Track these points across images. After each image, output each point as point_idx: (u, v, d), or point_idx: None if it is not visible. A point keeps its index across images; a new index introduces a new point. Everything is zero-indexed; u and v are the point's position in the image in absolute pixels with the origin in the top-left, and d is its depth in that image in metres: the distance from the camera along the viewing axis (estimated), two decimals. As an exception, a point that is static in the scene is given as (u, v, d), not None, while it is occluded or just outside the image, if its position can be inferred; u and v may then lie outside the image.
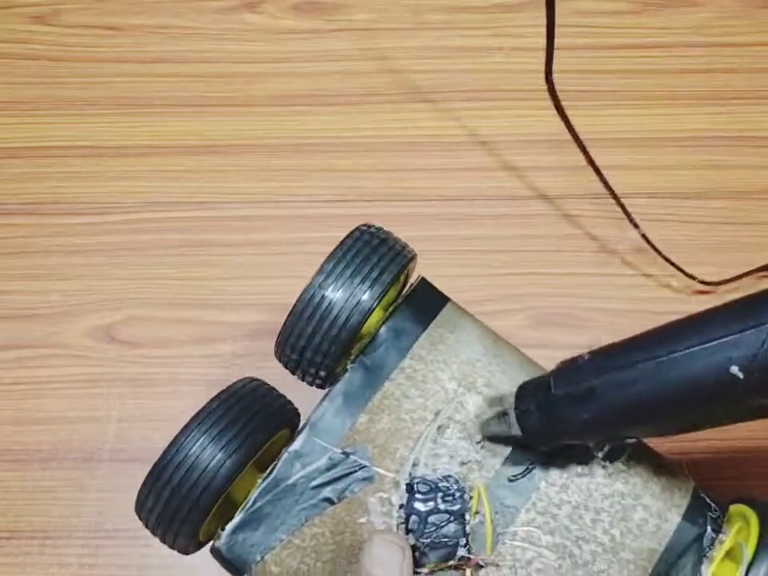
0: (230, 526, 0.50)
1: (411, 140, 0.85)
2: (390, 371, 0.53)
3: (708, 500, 0.51)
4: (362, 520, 0.50)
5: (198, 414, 0.49)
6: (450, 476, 0.50)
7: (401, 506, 0.49)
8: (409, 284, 0.58)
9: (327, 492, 0.50)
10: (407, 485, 0.50)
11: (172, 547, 0.51)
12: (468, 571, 0.48)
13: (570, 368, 0.48)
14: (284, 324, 0.53)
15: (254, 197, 0.83)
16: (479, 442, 0.51)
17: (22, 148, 0.85)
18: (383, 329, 0.54)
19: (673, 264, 0.76)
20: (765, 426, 0.69)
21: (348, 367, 0.53)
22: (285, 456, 0.51)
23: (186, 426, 0.49)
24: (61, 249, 0.80)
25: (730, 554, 0.48)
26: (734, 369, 0.40)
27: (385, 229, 0.57)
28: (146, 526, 0.50)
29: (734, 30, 0.90)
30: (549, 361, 0.51)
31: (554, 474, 0.51)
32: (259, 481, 0.51)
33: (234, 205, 0.82)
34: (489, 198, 0.82)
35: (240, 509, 0.50)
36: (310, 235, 0.81)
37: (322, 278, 0.52)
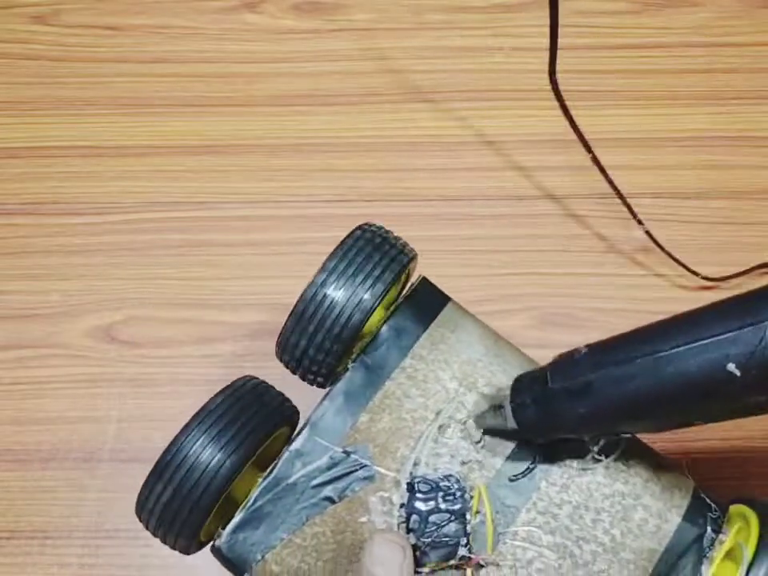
0: (230, 525, 0.50)
1: (411, 140, 0.85)
2: (391, 370, 0.53)
3: (708, 500, 0.51)
4: (363, 519, 0.50)
5: (196, 415, 0.49)
6: (450, 475, 0.50)
7: (402, 506, 0.49)
8: (410, 284, 0.58)
9: (328, 491, 0.50)
10: (408, 484, 0.50)
11: (173, 548, 0.51)
12: (469, 571, 0.48)
13: (566, 362, 0.48)
14: (285, 323, 0.53)
15: (254, 197, 0.83)
16: (478, 442, 0.51)
17: (22, 148, 0.85)
18: (384, 328, 0.54)
19: (676, 260, 0.76)
20: (765, 426, 0.70)
21: (349, 366, 0.53)
22: (285, 455, 0.51)
23: (185, 427, 0.49)
24: (61, 249, 0.80)
25: (730, 555, 0.48)
26: (731, 366, 0.40)
27: (386, 228, 0.57)
28: (147, 528, 0.50)
29: (734, 29, 0.90)
30: (548, 361, 0.51)
31: (555, 474, 0.51)
32: (260, 480, 0.51)
33: (234, 205, 0.82)
34: (489, 197, 0.82)
35: (241, 508, 0.50)
36: (310, 235, 0.81)
37: (323, 276, 0.52)
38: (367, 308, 0.52)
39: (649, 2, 0.91)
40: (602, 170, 0.75)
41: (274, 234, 0.81)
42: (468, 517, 0.49)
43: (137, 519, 0.51)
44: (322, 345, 0.52)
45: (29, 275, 0.79)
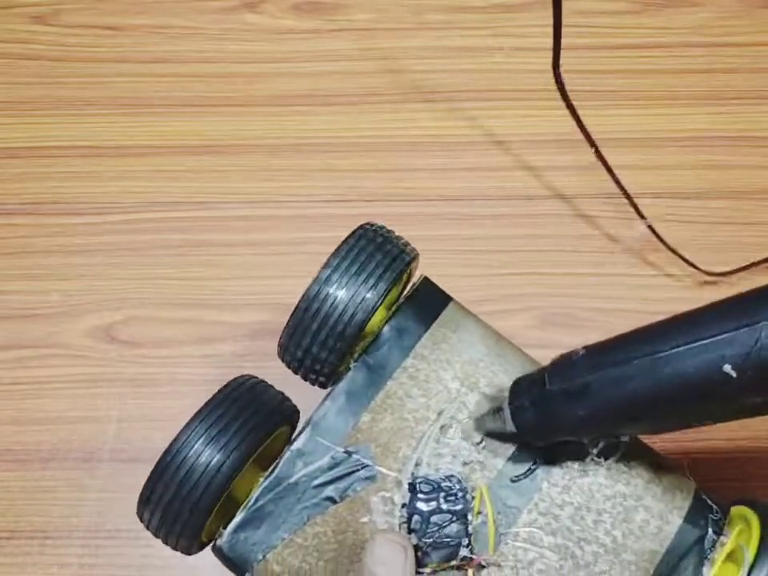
0: (231, 525, 0.50)
1: (411, 140, 0.85)
2: (392, 370, 0.53)
3: (709, 502, 0.51)
4: (365, 519, 0.50)
5: (196, 415, 0.49)
6: (452, 476, 0.50)
7: (403, 506, 0.49)
8: (411, 283, 0.58)
9: (329, 491, 0.50)
10: (410, 484, 0.50)
11: (175, 549, 0.51)
12: (470, 571, 0.48)
13: (564, 364, 0.48)
14: (288, 322, 0.53)
15: (254, 197, 0.83)
16: (479, 443, 0.51)
17: (22, 148, 0.85)
18: (386, 328, 0.54)
19: (679, 255, 0.76)
20: (767, 426, 0.70)
21: (351, 366, 0.53)
22: (287, 454, 0.51)
23: (185, 427, 0.49)
24: (61, 249, 0.80)
25: (731, 556, 0.48)
26: (727, 367, 0.40)
27: (388, 228, 0.57)
28: (148, 528, 0.50)
29: (734, 29, 0.90)
30: (549, 361, 0.51)
31: (557, 475, 0.51)
32: (261, 479, 0.51)
33: (234, 205, 0.82)
34: (489, 197, 0.82)
35: (242, 507, 0.50)
36: (310, 235, 0.81)
37: (326, 275, 0.52)
38: (370, 307, 0.52)
39: (649, 2, 0.91)
40: (605, 164, 0.75)
41: (273, 234, 0.81)
42: (470, 517, 0.48)
43: (137, 519, 0.50)
44: (324, 343, 0.52)
45: (29, 275, 0.79)
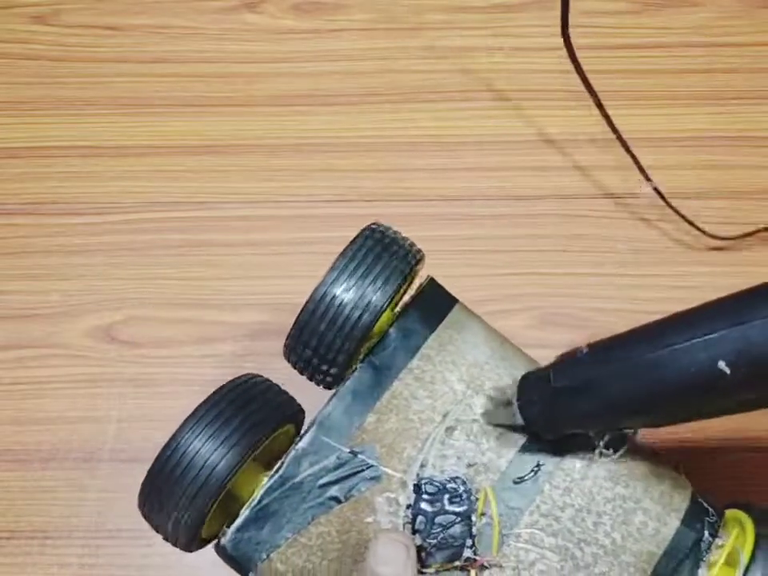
0: (235, 524, 0.50)
1: (411, 140, 0.85)
2: (398, 371, 0.53)
3: (706, 505, 0.51)
4: (369, 519, 0.50)
5: (197, 410, 0.49)
6: (457, 477, 0.50)
7: (408, 506, 0.49)
8: (418, 285, 0.58)
9: (334, 491, 0.50)
10: (415, 485, 0.50)
11: (175, 545, 0.51)
12: (473, 572, 0.48)
13: (568, 361, 0.49)
14: (295, 323, 0.53)
15: (254, 197, 0.83)
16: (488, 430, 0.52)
17: (22, 148, 0.85)
18: (392, 329, 0.54)
19: (686, 219, 0.77)
20: (765, 425, 0.70)
21: (357, 366, 0.53)
22: (292, 454, 0.51)
23: (185, 422, 0.49)
24: (61, 249, 0.80)
25: (726, 559, 0.48)
26: (722, 364, 0.41)
27: (394, 228, 0.57)
28: (148, 523, 0.51)
29: (734, 29, 0.90)
30: (550, 361, 0.51)
31: (558, 477, 0.51)
32: (265, 479, 0.51)
33: (234, 205, 0.82)
34: (489, 197, 0.82)
35: (246, 506, 0.50)
36: (309, 235, 0.81)
37: (334, 275, 0.52)
38: (377, 308, 0.52)
39: (649, 2, 0.91)
40: (607, 117, 0.76)
41: (273, 234, 0.81)
42: (473, 519, 0.49)
43: (137, 519, 0.51)
44: (332, 344, 0.52)
45: (29, 275, 0.79)
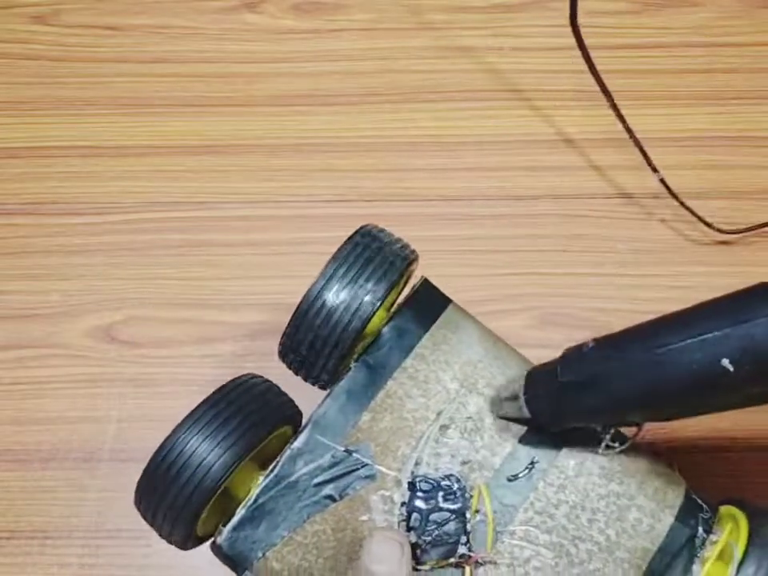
0: (231, 523, 0.50)
1: (411, 140, 0.85)
2: (392, 370, 0.53)
3: (699, 501, 0.51)
4: (364, 517, 0.50)
5: (195, 410, 0.50)
6: (451, 475, 0.50)
7: (403, 504, 0.49)
8: (412, 285, 0.58)
9: (329, 489, 0.50)
10: (409, 483, 0.50)
11: (169, 542, 0.51)
12: (468, 569, 0.48)
13: (574, 356, 0.49)
14: (289, 323, 0.53)
15: (254, 197, 0.83)
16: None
17: (22, 148, 0.85)
18: (386, 329, 0.55)
19: (691, 211, 0.78)
20: (765, 424, 0.70)
21: (351, 366, 0.54)
22: (287, 453, 0.51)
23: (183, 421, 0.49)
24: (61, 249, 0.80)
25: (720, 554, 0.49)
26: (725, 361, 0.41)
27: (387, 230, 0.57)
28: (144, 519, 0.51)
29: (734, 29, 0.90)
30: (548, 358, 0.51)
31: (552, 475, 0.51)
32: (261, 478, 0.51)
33: (234, 205, 0.82)
34: (489, 197, 0.82)
35: (242, 505, 0.51)
36: (310, 235, 0.81)
37: (327, 276, 0.53)
38: (370, 308, 0.52)
39: (649, 2, 0.91)
40: (618, 113, 0.76)
41: (273, 234, 0.81)
42: (468, 516, 0.49)
43: (137, 519, 0.51)
44: (325, 344, 0.52)
45: (29, 275, 0.79)
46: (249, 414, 0.50)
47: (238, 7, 0.92)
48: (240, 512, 0.50)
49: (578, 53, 0.73)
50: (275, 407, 0.52)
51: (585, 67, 0.74)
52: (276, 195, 0.82)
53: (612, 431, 0.51)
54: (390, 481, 0.50)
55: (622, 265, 0.79)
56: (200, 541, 0.52)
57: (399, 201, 0.82)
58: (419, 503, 0.49)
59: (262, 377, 0.54)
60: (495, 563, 0.49)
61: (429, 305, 0.56)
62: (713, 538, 0.49)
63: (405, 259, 0.55)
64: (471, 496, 0.50)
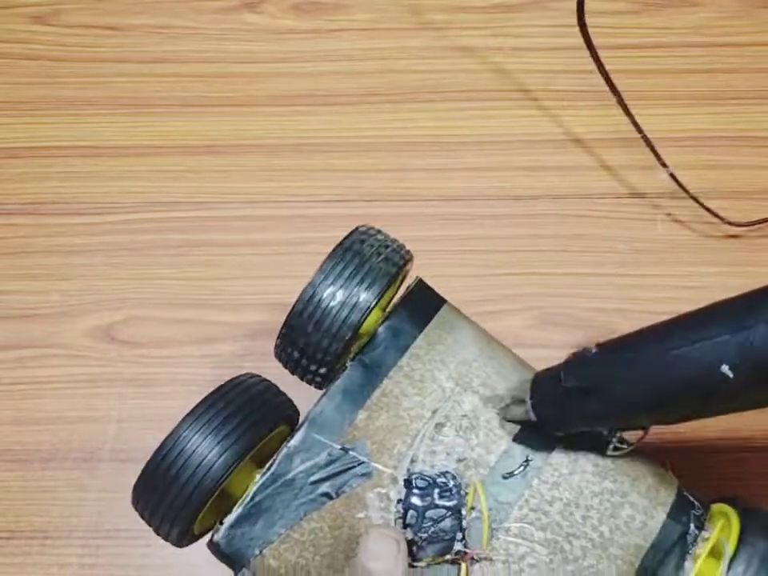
0: (228, 521, 0.50)
1: (411, 140, 0.85)
2: (388, 369, 0.54)
3: (692, 498, 0.52)
4: (360, 515, 0.50)
5: (194, 409, 0.49)
6: (447, 472, 0.50)
7: (399, 501, 0.50)
8: (406, 285, 0.58)
9: (326, 487, 0.50)
10: (405, 480, 0.50)
11: (166, 540, 0.51)
12: (464, 565, 0.48)
13: (578, 361, 0.49)
14: (284, 323, 0.53)
15: (254, 197, 0.83)
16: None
17: (22, 148, 0.85)
18: (382, 328, 0.55)
19: (703, 205, 0.78)
20: (764, 424, 0.70)
21: (347, 365, 0.54)
22: (284, 451, 0.51)
23: (183, 421, 0.49)
24: (61, 249, 0.80)
25: (712, 551, 0.49)
26: (725, 368, 0.41)
27: (383, 230, 0.57)
28: (142, 517, 0.51)
29: (734, 29, 0.90)
30: (550, 361, 0.51)
31: (547, 472, 0.51)
32: (258, 476, 0.51)
33: (234, 205, 0.82)
34: (489, 197, 0.82)
35: (239, 503, 0.51)
36: (310, 235, 0.81)
37: (321, 277, 0.53)
38: (364, 309, 0.52)
39: (649, 2, 0.91)
40: (627, 111, 0.76)
41: (273, 234, 0.81)
42: (463, 513, 0.49)
43: (137, 519, 0.51)
44: (319, 344, 0.53)
45: (29, 275, 0.79)
46: (248, 414, 0.50)
47: (237, 7, 0.92)
48: (237, 510, 0.50)
49: (580, 53, 0.73)
50: (274, 406, 0.52)
51: (584, 67, 0.74)
52: (276, 195, 0.83)
53: (618, 434, 0.51)
54: (386, 478, 0.50)
55: (621, 265, 0.79)
56: (195, 538, 0.52)
57: (399, 201, 0.82)
58: (415, 500, 0.49)
59: (260, 376, 0.54)
60: (491, 560, 0.49)
61: (424, 305, 0.57)
62: (704, 534, 0.50)
63: (400, 259, 0.55)
64: (467, 493, 0.50)
